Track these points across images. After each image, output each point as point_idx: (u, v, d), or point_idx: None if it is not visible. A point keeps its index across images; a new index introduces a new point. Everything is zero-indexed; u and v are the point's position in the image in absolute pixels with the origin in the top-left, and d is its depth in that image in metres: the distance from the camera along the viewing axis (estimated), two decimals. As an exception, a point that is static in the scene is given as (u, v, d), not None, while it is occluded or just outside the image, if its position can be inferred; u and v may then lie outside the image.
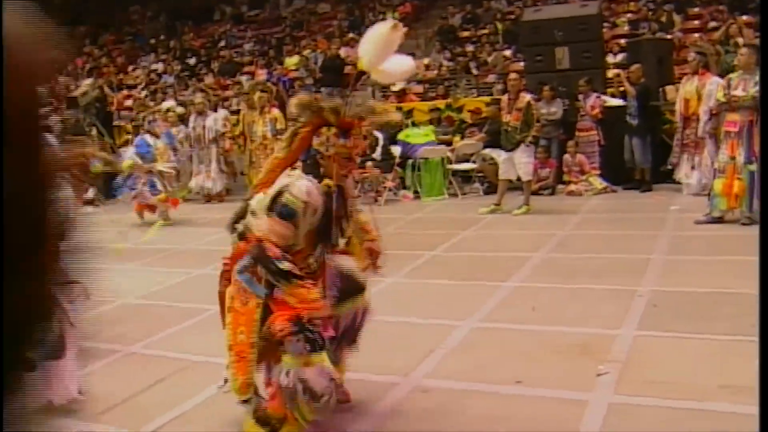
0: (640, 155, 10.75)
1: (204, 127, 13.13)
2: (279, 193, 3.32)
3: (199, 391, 4.31)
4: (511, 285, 6.25)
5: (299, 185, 3.32)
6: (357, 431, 3.67)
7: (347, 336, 3.81)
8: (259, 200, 3.44)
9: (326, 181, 3.41)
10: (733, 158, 7.81)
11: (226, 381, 3.65)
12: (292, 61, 19.07)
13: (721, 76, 9.17)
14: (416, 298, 6.09)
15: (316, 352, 3.30)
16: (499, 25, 18.53)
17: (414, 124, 13.02)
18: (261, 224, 3.34)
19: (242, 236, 3.49)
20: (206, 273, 7.55)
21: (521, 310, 5.44)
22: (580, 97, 11.41)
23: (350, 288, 3.73)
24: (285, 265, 3.26)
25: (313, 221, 3.37)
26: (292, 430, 3.46)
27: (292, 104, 3.54)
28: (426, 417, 3.80)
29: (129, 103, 17.56)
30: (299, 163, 3.56)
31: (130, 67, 22.88)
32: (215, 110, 13.84)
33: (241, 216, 3.55)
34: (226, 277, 3.61)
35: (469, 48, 18.21)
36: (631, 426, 3.53)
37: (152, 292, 6.72)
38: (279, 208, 3.29)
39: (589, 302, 5.55)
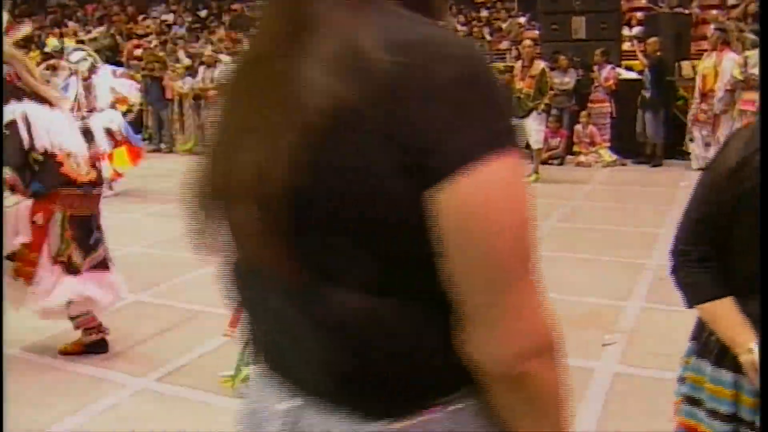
0: (652, 130, 10.66)
1: (212, 79, 13.03)
2: None
3: (207, 340, 4.32)
4: (518, 252, 6.23)
5: None
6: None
7: None
8: None
9: None
10: (748, 137, 7.74)
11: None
12: (304, 17, 18.88)
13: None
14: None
15: None
16: (516, -8, 18.33)
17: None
18: None
19: None
20: (213, 226, 7.58)
21: (528, 277, 5.42)
22: (595, 68, 11.30)
23: None
24: None
25: None
26: None
27: None
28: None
29: (138, 53, 17.41)
30: None
31: (141, 17, 22.66)
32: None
33: None
34: None
35: (484, 13, 18.02)
36: (634, 395, 3.54)
37: (159, 240, 6.70)
38: None
39: (597, 273, 5.55)
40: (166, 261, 6.07)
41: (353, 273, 0.90)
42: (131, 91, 8.57)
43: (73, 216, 3.94)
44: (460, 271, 0.86)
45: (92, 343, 4.18)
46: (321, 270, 0.90)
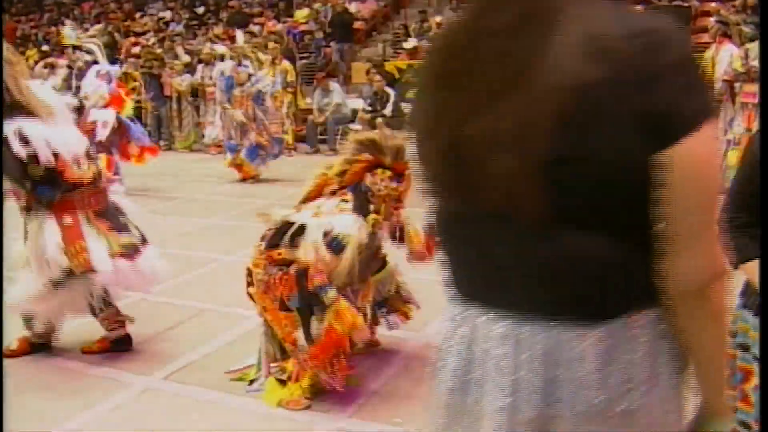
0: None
1: (211, 77, 12.99)
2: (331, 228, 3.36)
3: (212, 338, 4.31)
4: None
5: (350, 222, 3.37)
6: (367, 390, 3.66)
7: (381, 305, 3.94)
8: (311, 227, 3.40)
9: (374, 216, 3.45)
10: (749, 130, 7.72)
11: (252, 382, 3.69)
12: (302, 13, 18.83)
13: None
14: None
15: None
16: (514, -15, 18.25)
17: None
18: (309, 253, 3.33)
19: (272, 246, 3.46)
20: (215, 223, 7.57)
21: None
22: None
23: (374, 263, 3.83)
24: (331, 293, 3.30)
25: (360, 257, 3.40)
26: (304, 384, 3.48)
27: (352, 140, 3.57)
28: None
29: (136, 50, 17.37)
30: (350, 195, 3.55)
31: (138, 14, 22.62)
32: (222, 60, 13.67)
33: (282, 233, 3.46)
34: (249, 277, 3.61)
35: (482, 7, 17.97)
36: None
37: (161, 239, 6.65)
38: (329, 241, 3.31)
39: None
40: (168, 259, 6.04)
41: (588, 217, 1.16)
42: (98, 89, 8.38)
43: (95, 213, 3.95)
44: (679, 212, 1.15)
45: (118, 339, 4.18)
46: (563, 214, 1.16)
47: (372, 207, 3.45)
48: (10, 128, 3.69)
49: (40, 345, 4.17)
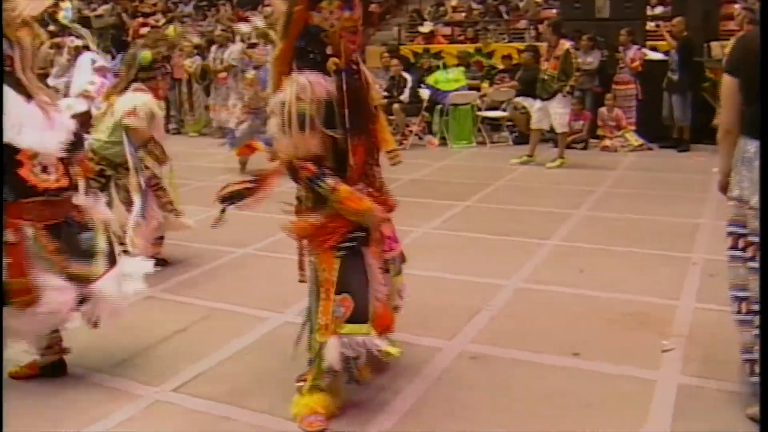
0: (679, 112, 10.21)
1: (222, 60, 12.59)
2: (281, 106, 3.00)
3: (224, 343, 3.97)
4: (552, 243, 5.85)
5: (296, 87, 2.98)
6: (398, 408, 3.30)
7: None
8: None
9: (332, 59, 3.03)
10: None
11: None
12: (314, -5, 18.39)
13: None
14: (451, 251, 5.72)
15: (353, 323, 3.09)
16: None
17: (445, 66, 12.51)
18: (284, 145, 3.02)
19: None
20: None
21: (568, 271, 5.05)
22: (621, 48, 10.85)
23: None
24: (327, 182, 3.01)
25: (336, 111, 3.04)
26: (318, 399, 3.15)
27: None
28: (476, 389, 3.42)
29: (144, 31, 16.97)
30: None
31: (147, -6, 22.19)
32: (233, 42, 13.25)
33: None
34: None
35: (500, -9, 17.53)
36: (705, 411, 3.17)
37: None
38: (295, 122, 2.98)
39: (639, 267, 5.17)
40: (176, 253, 5.71)
41: None
42: (99, 89, 7.83)
43: (46, 227, 3.35)
44: None
45: (49, 365, 3.66)
46: None
47: (330, 50, 3.03)
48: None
49: (52, 365, 3.67)
